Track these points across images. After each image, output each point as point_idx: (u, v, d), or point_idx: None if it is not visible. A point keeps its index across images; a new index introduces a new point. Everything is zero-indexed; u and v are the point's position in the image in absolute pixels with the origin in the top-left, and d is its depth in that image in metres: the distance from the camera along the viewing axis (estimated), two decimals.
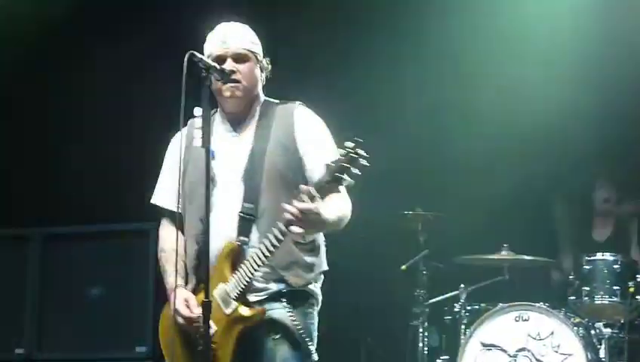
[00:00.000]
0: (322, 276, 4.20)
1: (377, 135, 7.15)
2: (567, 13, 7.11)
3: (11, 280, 6.82)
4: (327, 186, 3.73)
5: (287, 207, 3.74)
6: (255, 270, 3.92)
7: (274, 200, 3.96)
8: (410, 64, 7.33)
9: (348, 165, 3.67)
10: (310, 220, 3.75)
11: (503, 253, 6.67)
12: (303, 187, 3.77)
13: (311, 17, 7.35)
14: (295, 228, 3.74)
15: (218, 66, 3.96)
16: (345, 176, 3.68)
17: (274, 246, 3.85)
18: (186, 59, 3.79)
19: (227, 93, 4.10)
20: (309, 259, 4.08)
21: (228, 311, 3.97)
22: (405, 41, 7.36)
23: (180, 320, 4.00)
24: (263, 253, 3.87)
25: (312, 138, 4.11)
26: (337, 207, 3.94)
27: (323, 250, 4.18)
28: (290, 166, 4.07)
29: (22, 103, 7.62)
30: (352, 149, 3.67)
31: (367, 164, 3.67)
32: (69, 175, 7.31)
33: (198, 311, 3.95)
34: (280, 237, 3.83)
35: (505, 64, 7.25)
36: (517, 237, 6.79)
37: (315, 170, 3.98)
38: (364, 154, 3.67)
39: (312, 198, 3.72)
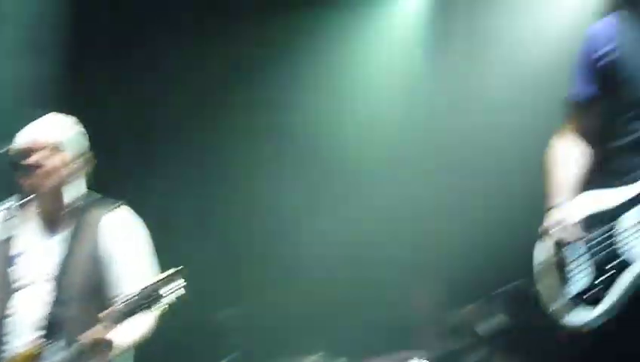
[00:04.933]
0: None
1: None
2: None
3: None
4: (130, 315, 3.73)
5: (83, 336, 3.77)
6: None
7: (80, 311, 3.96)
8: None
9: (149, 302, 3.67)
10: (104, 350, 3.79)
11: None
12: (103, 314, 3.77)
13: None
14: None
15: (17, 162, 4.02)
16: (151, 308, 3.70)
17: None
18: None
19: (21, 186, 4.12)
20: None
21: None
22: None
23: None
24: None
25: (120, 252, 4.08)
26: (138, 326, 3.91)
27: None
28: (99, 277, 4.05)
29: None
30: (163, 280, 3.68)
31: (181, 294, 3.65)
32: None
33: None
34: (75, 358, 3.82)
35: None
36: None
37: (121, 285, 4.01)
38: (178, 286, 3.67)
39: (111, 324, 3.75)
